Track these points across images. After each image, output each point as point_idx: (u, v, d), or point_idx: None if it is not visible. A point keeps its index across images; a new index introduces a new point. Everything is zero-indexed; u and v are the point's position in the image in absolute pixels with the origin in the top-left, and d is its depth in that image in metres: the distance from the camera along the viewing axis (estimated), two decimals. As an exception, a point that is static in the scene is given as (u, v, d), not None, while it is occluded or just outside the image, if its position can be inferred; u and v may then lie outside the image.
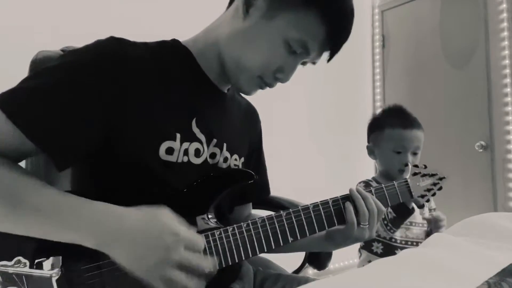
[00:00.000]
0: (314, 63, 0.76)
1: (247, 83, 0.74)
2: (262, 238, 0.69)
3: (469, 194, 2.42)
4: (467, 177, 2.43)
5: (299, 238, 0.72)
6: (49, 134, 0.58)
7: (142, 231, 0.55)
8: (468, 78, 2.49)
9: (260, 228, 0.69)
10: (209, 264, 0.58)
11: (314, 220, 0.74)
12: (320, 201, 0.76)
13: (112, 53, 0.64)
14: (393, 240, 1.36)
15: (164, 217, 0.56)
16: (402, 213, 1.23)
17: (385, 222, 1.27)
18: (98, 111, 0.61)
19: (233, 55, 0.72)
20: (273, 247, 0.70)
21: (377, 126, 1.44)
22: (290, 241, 0.72)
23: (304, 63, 0.76)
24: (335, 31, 0.70)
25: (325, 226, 0.75)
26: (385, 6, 2.99)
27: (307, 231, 0.74)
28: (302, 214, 0.73)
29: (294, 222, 0.72)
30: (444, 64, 2.61)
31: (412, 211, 1.22)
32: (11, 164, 0.57)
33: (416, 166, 0.99)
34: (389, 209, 1.25)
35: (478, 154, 2.40)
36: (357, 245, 1.48)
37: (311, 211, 0.74)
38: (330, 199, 0.77)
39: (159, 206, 0.58)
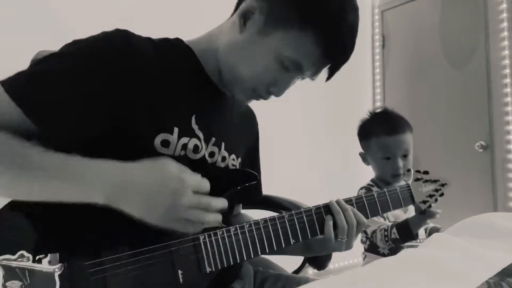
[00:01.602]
0: (312, 79, 0.75)
1: (240, 93, 0.75)
2: (264, 239, 0.69)
3: (469, 194, 2.41)
4: (467, 177, 2.42)
5: (300, 240, 0.73)
6: (48, 114, 0.59)
7: (148, 181, 0.57)
8: (468, 78, 2.49)
9: (262, 229, 0.69)
10: (219, 201, 0.61)
11: (316, 223, 0.75)
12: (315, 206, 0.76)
13: (117, 44, 0.65)
14: None
15: (169, 166, 0.59)
16: (405, 237, 1.24)
17: (386, 239, 1.27)
18: (99, 99, 0.63)
19: (228, 66, 0.73)
20: (275, 248, 0.70)
21: (364, 135, 1.45)
22: (292, 243, 0.72)
23: (302, 78, 0.75)
24: (331, 51, 0.69)
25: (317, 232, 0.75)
26: (385, 6, 2.98)
27: (308, 233, 0.74)
28: (304, 216, 0.74)
29: (296, 224, 0.72)
30: (444, 64, 2.61)
31: (416, 237, 1.22)
32: (12, 135, 0.59)
33: (418, 171, 0.99)
34: (394, 230, 1.26)
35: (478, 154, 2.40)
36: (358, 247, 1.47)
37: (313, 213, 0.75)
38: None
39: (162, 157, 0.61)
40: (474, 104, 2.45)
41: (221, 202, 0.62)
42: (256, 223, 0.70)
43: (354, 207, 0.79)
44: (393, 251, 1.36)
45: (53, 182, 0.57)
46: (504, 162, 2.31)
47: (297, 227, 0.73)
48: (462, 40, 2.53)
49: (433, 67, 2.68)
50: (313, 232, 0.75)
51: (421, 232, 1.36)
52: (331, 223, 0.75)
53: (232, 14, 0.77)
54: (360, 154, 1.48)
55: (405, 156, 1.37)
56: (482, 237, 0.67)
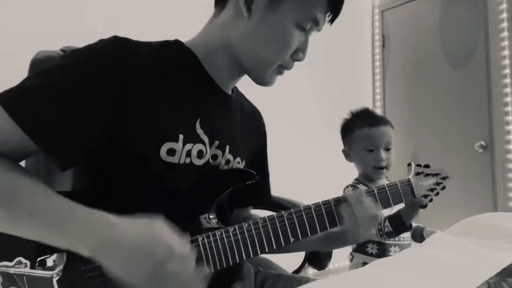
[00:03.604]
0: (319, 30, 0.78)
1: (269, 75, 0.77)
2: (264, 238, 0.69)
3: (469, 194, 2.41)
4: (467, 177, 2.42)
5: (300, 238, 0.72)
6: (50, 133, 0.57)
7: (136, 242, 0.54)
8: (468, 78, 2.49)
9: (261, 228, 0.69)
10: (202, 276, 0.58)
11: (315, 221, 0.74)
12: (321, 201, 0.76)
13: (115, 53, 0.64)
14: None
15: (159, 229, 0.55)
16: (399, 229, 1.23)
17: (380, 232, 1.27)
18: (101, 111, 0.61)
19: (251, 54, 0.74)
20: (275, 247, 0.70)
21: (347, 130, 1.46)
22: (291, 241, 0.71)
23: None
24: None
25: (327, 227, 0.75)
26: (385, 6, 2.98)
27: (308, 231, 0.73)
28: (303, 214, 0.73)
29: (296, 222, 0.72)
30: (444, 64, 2.61)
31: (409, 228, 1.22)
32: (11, 165, 0.57)
33: (419, 165, 0.98)
34: (387, 223, 1.25)
35: (478, 154, 2.40)
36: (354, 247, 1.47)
37: (313, 211, 0.74)
38: (330, 199, 0.76)
39: (155, 216, 0.57)
40: (474, 104, 2.45)
41: (205, 273, 0.59)
42: (255, 222, 0.69)
43: None
44: (381, 251, 1.37)
45: (41, 229, 0.55)
46: (504, 162, 2.31)
47: (306, 222, 0.73)
48: (462, 40, 2.53)
49: (433, 67, 2.68)
50: (323, 227, 0.75)
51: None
52: (346, 214, 0.75)
53: (220, 11, 0.76)
54: (343, 151, 1.49)
55: (387, 150, 1.37)
56: (482, 237, 0.67)
